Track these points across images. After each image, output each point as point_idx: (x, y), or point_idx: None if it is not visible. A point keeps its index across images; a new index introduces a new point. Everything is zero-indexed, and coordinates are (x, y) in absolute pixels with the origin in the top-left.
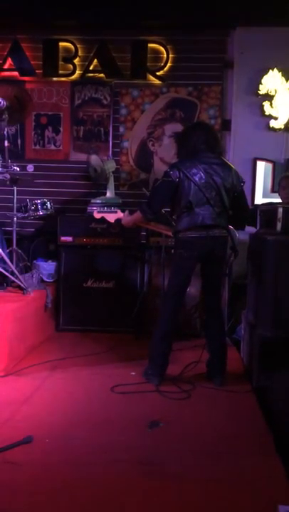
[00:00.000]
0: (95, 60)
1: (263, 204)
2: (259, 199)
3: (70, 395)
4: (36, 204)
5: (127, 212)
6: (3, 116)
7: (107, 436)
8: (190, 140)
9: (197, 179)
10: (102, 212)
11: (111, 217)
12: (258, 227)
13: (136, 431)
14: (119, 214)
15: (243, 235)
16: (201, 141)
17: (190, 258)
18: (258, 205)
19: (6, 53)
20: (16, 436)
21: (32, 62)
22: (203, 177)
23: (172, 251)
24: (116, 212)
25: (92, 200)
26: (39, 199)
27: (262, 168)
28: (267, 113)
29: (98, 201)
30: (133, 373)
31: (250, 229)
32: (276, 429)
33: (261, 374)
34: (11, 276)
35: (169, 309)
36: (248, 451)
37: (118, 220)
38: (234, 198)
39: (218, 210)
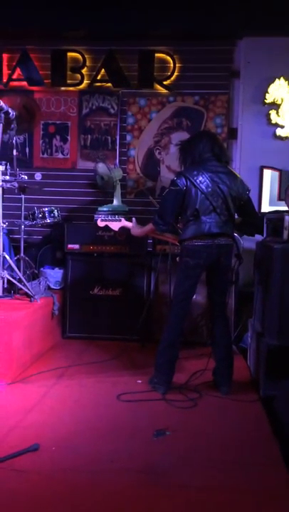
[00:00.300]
0: (103, 70)
1: (269, 212)
2: (266, 207)
3: (76, 403)
4: (44, 212)
5: (134, 220)
6: (12, 126)
7: (113, 444)
8: (196, 149)
9: (204, 187)
10: (105, 220)
11: (115, 226)
12: (264, 235)
13: (142, 439)
14: (124, 222)
15: (249, 242)
16: (207, 150)
17: (196, 266)
18: (264, 213)
19: (15, 63)
20: (22, 443)
21: (40, 72)
22: (210, 185)
23: (177, 259)
24: (120, 220)
25: (99, 208)
26: (47, 207)
27: (268, 177)
28: (273, 121)
29: (105, 209)
30: (139, 381)
31: (256, 237)
32: (283, 438)
33: (268, 383)
34: (18, 284)
35: (175, 318)
36: (254, 460)
37: (122, 229)
38: (242, 206)
39: (224, 219)
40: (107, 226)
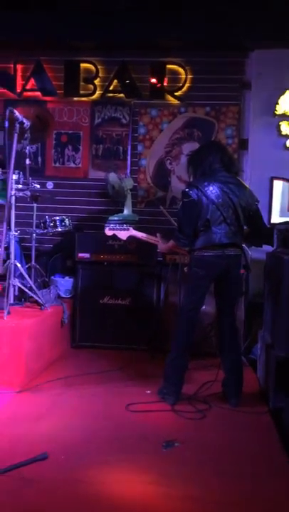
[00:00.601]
0: (115, 81)
1: (280, 223)
2: (276, 218)
3: (85, 412)
4: (55, 221)
5: (160, 236)
6: (26, 136)
7: (122, 454)
8: (206, 160)
9: (214, 198)
10: (113, 229)
11: (123, 235)
12: (274, 246)
13: (151, 450)
14: (132, 231)
15: (259, 253)
16: (217, 161)
17: (206, 277)
18: (274, 224)
19: (29, 74)
20: (31, 452)
21: (54, 83)
22: (220, 196)
23: (185, 269)
24: (128, 229)
25: (110, 217)
26: (58, 216)
27: (279, 187)
28: (284, 133)
29: (116, 218)
30: (148, 391)
31: (266, 247)
32: None
33: (278, 395)
34: (29, 292)
35: (183, 328)
36: (264, 473)
37: (130, 238)
38: (250, 217)
39: (234, 229)
40: (114, 235)
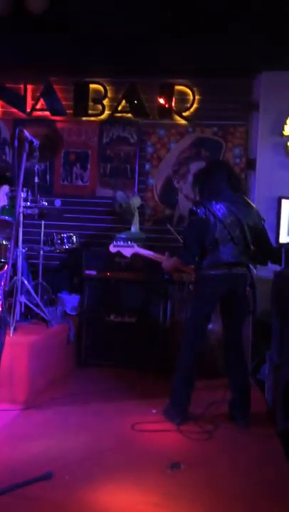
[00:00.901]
0: (124, 101)
1: (288, 243)
2: (284, 237)
3: (90, 431)
4: (62, 238)
5: (167, 254)
6: (35, 154)
7: (127, 475)
8: (214, 179)
9: (222, 217)
10: (118, 246)
11: (127, 252)
12: (282, 266)
13: (157, 471)
14: (136, 249)
15: (267, 272)
16: (224, 180)
17: (212, 296)
18: (283, 244)
19: (39, 94)
20: (35, 471)
21: (63, 103)
22: (228, 214)
23: (190, 286)
24: (133, 246)
25: (117, 235)
26: (65, 233)
27: (287, 207)
28: None
29: (123, 236)
30: (154, 411)
31: (274, 266)
32: None
33: (286, 417)
34: (35, 309)
35: (190, 347)
36: (270, 496)
37: (135, 255)
38: (257, 236)
39: (241, 248)
40: (119, 252)
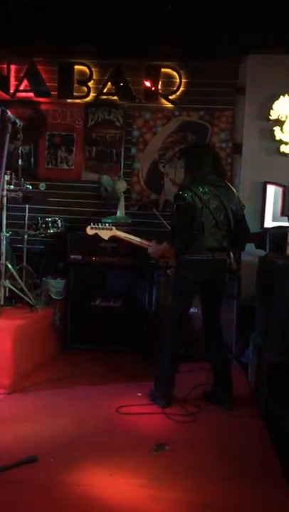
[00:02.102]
0: (109, 83)
1: (272, 227)
2: (269, 222)
3: (75, 414)
4: (47, 222)
5: (154, 242)
6: (18, 136)
7: (112, 457)
8: (200, 161)
9: (208, 201)
10: (95, 228)
11: (104, 234)
12: (267, 251)
13: (142, 453)
14: (114, 231)
15: (251, 257)
16: (209, 164)
17: (195, 281)
18: (267, 229)
19: (22, 75)
20: (20, 454)
21: (47, 84)
22: (212, 199)
23: (169, 271)
24: (111, 229)
25: (103, 220)
26: (50, 217)
27: (272, 192)
28: (277, 138)
29: (108, 220)
30: (139, 394)
31: (258, 251)
32: (284, 455)
33: (269, 399)
34: (20, 293)
35: (173, 332)
36: (254, 476)
37: (113, 237)
38: (236, 222)
39: (224, 233)
40: (96, 234)
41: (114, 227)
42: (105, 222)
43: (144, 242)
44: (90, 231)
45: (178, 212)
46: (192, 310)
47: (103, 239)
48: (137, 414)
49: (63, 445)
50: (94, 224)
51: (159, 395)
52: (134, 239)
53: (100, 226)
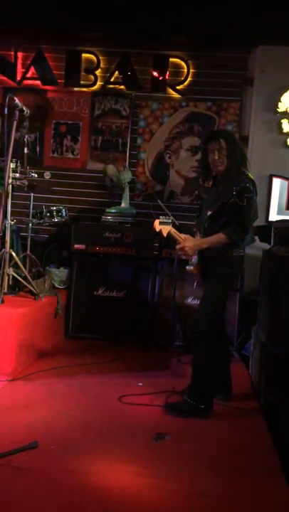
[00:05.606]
0: (116, 72)
1: (277, 221)
2: (274, 216)
3: (76, 403)
4: (52, 211)
5: (187, 236)
6: (24, 124)
7: (112, 445)
8: (241, 150)
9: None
10: (163, 223)
11: (164, 231)
12: (271, 244)
13: (141, 442)
14: (170, 229)
15: (255, 250)
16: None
17: (236, 278)
18: (272, 222)
19: (29, 62)
20: (21, 441)
21: (54, 72)
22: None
23: (187, 268)
24: (169, 225)
25: (107, 210)
26: (55, 206)
27: (278, 185)
28: (285, 131)
29: (113, 211)
30: (140, 384)
31: (263, 245)
32: (283, 447)
33: (270, 392)
34: (23, 281)
35: (213, 331)
36: (253, 468)
37: (168, 235)
38: None
39: None
40: (161, 231)
41: (170, 224)
42: (165, 214)
43: (186, 236)
44: (158, 226)
45: (249, 205)
46: (195, 301)
47: (162, 236)
48: (137, 404)
49: (64, 432)
50: (163, 217)
51: (207, 407)
52: (180, 236)
53: (165, 220)
